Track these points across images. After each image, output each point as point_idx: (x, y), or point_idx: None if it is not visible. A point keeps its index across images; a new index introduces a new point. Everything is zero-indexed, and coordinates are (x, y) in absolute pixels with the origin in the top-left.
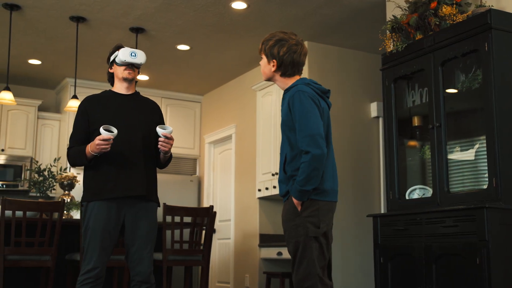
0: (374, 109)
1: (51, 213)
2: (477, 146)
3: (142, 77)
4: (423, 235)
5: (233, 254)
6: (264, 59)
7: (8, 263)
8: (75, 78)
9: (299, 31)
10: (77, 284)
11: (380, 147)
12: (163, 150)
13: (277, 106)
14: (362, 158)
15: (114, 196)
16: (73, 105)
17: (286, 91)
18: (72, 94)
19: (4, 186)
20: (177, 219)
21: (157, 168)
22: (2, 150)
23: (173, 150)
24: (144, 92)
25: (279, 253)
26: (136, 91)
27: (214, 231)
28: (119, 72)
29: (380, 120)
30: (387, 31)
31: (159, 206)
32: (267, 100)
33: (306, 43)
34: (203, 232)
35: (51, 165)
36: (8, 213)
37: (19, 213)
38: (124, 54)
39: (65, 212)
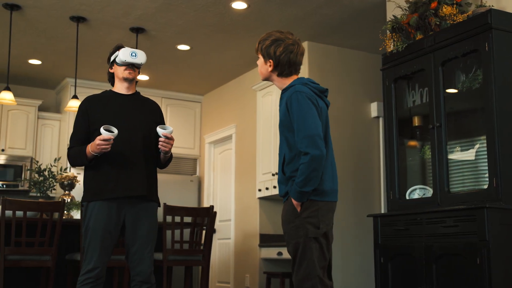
0: (374, 109)
1: (51, 213)
2: (477, 146)
3: (142, 77)
4: (424, 235)
5: (233, 254)
6: (261, 59)
7: (9, 263)
8: (75, 78)
9: (299, 31)
10: (77, 284)
11: (381, 147)
12: (163, 150)
13: (277, 106)
14: (362, 158)
15: (114, 196)
16: (73, 105)
17: (283, 91)
18: (72, 94)
19: (4, 186)
20: (178, 219)
21: (158, 168)
22: (2, 150)
23: (173, 150)
24: (144, 92)
25: (279, 253)
26: (136, 91)
27: (214, 231)
28: (120, 72)
29: (381, 120)
30: (388, 31)
31: (160, 206)
32: (267, 100)
33: (306, 43)
34: (203, 232)
35: (51, 165)
36: (9, 213)
37: (19, 213)
38: (124, 54)
39: (65, 212)
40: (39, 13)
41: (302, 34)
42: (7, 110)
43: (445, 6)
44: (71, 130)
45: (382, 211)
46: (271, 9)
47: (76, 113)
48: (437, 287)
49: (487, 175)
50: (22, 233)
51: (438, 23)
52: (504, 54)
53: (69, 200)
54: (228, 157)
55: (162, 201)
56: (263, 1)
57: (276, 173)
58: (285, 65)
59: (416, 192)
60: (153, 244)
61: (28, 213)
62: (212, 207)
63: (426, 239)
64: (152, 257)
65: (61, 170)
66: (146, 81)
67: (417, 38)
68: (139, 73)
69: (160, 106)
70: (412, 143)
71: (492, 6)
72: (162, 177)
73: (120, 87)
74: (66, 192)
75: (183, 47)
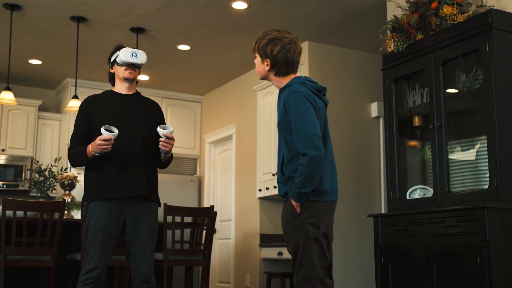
0: (374, 109)
1: (51, 213)
2: (478, 146)
3: (143, 77)
4: (424, 235)
5: (234, 254)
6: (258, 58)
7: (9, 263)
8: (76, 78)
9: (299, 31)
10: (78, 284)
11: (381, 147)
12: (164, 150)
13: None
14: (363, 158)
15: (115, 196)
16: (74, 105)
17: (281, 91)
18: (73, 94)
19: (5, 186)
20: (178, 219)
21: (158, 168)
22: (3, 150)
23: (173, 150)
24: (145, 92)
25: (280, 253)
26: (137, 91)
27: (214, 231)
28: (120, 72)
29: (381, 120)
30: (388, 31)
31: (160, 206)
32: (267, 100)
33: (306, 43)
34: (204, 232)
35: (51, 165)
36: (9, 213)
37: (19, 213)
38: (125, 54)
39: (65, 212)
40: (40, 13)
41: (303, 34)
42: (7, 110)
43: (446, 6)
44: (71, 130)
45: (382, 211)
46: (272, 9)
47: (76, 113)
48: (437, 287)
49: (487, 175)
50: (22, 233)
51: (438, 23)
52: (505, 54)
53: (69, 200)
54: (228, 157)
55: (162, 201)
56: (263, 1)
57: (276, 173)
58: (282, 64)
59: (416, 192)
60: (154, 244)
61: (29, 213)
62: (212, 207)
63: (426, 239)
64: (152, 257)
65: (61, 170)
66: (147, 81)
67: (417, 38)
68: (139, 73)
69: (160, 106)
70: (413, 143)
71: (493, 6)
72: (162, 177)
73: (121, 87)
74: (67, 192)
75: (183, 47)
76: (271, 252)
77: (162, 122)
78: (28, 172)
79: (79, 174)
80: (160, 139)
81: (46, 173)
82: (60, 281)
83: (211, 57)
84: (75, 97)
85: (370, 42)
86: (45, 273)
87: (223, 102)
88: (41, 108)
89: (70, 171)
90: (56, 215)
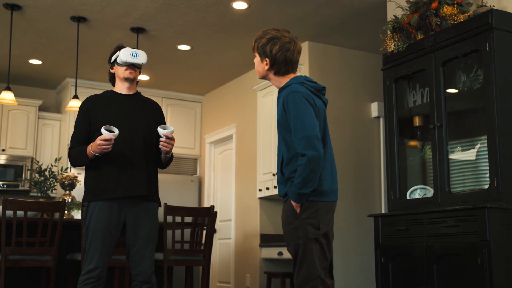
0: (375, 109)
1: (52, 213)
2: (478, 146)
3: (143, 77)
4: (424, 235)
5: (234, 254)
6: (257, 58)
7: (9, 263)
8: (76, 78)
9: (299, 31)
10: (78, 284)
11: (381, 147)
12: (164, 150)
13: None
14: (363, 158)
15: (115, 196)
16: (74, 105)
17: (280, 90)
18: (73, 94)
19: (5, 186)
20: (178, 219)
21: (158, 168)
22: (3, 150)
23: (173, 150)
24: (145, 92)
25: (280, 253)
26: (137, 91)
27: (215, 231)
28: (120, 72)
29: (381, 120)
30: (388, 31)
31: (160, 206)
32: (267, 100)
33: (306, 43)
34: (204, 232)
35: (52, 165)
36: (9, 213)
37: (20, 213)
38: (125, 54)
39: (66, 212)
40: (40, 13)
41: (303, 34)
42: (7, 110)
43: (446, 6)
44: (71, 130)
45: (383, 211)
46: (272, 9)
47: (76, 113)
48: (438, 287)
49: (488, 175)
50: (23, 233)
51: (439, 23)
52: (505, 54)
53: (69, 200)
54: (228, 157)
55: (162, 201)
56: (263, 1)
57: (276, 173)
58: (281, 63)
59: (416, 192)
60: (154, 244)
61: (29, 213)
62: (212, 207)
63: (427, 239)
64: (153, 257)
65: (61, 170)
66: (147, 81)
67: (417, 38)
68: (140, 73)
69: (160, 106)
70: (413, 143)
71: (493, 6)
72: (163, 177)
73: (121, 87)
74: (67, 192)
75: (183, 47)
76: (271, 252)
77: (162, 122)
78: (28, 172)
79: (79, 174)
80: (161, 139)
81: (46, 173)
82: (61, 281)
83: (211, 57)
84: (75, 97)
85: (370, 42)
86: (45, 273)
87: (223, 102)
88: (41, 108)
89: (70, 171)
90: (57, 215)
